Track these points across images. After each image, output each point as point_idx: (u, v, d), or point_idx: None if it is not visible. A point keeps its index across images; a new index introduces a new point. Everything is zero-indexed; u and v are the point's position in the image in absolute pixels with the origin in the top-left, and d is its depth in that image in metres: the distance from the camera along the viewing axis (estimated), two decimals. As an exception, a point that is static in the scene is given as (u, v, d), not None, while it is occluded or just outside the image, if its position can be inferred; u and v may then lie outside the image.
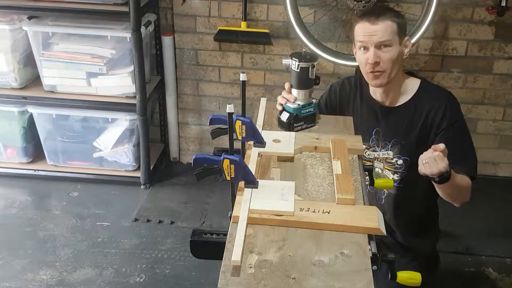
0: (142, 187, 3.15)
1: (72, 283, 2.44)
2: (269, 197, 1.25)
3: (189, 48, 3.16)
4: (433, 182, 1.69)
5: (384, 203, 1.97)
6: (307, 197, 1.30)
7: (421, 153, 1.67)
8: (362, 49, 1.80)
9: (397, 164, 1.92)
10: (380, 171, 1.96)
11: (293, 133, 1.56)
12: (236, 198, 1.25)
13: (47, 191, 3.11)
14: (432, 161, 1.59)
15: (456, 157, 1.73)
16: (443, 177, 1.62)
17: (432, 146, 1.61)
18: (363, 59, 1.81)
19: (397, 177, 1.93)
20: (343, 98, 2.01)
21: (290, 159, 1.46)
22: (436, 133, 1.83)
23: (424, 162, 1.61)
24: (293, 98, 1.61)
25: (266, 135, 1.50)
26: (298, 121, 1.61)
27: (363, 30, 1.78)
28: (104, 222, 2.85)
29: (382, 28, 1.75)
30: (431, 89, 1.91)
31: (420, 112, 1.84)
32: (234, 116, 1.26)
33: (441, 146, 1.59)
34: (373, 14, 1.79)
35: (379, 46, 1.76)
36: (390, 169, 1.94)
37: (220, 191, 3.10)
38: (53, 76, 2.96)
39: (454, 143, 1.76)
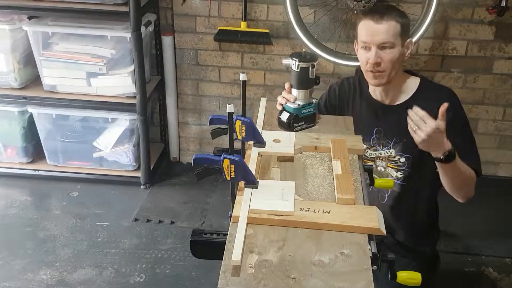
0: (142, 187, 3.15)
1: (72, 283, 2.44)
2: (269, 197, 1.25)
3: (189, 48, 3.16)
4: (438, 164, 1.67)
5: (386, 201, 1.97)
6: (307, 197, 1.30)
7: (424, 151, 1.66)
8: (364, 48, 1.81)
9: (400, 162, 1.92)
10: (383, 169, 1.96)
11: (293, 133, 1.56)
12: (236, 198, 1.25)
13: (47, 191, 3.11)
14: (420, 123, 1.57)
15: (459, 154, 1.72)
16: (449, 154, 1.62)
17: (409, 112, 1.59)
18: (364, 58, 1.81)
19: (400, 174, 1.93)
20: (343, 98, 2.01)
21: (290, 159, 1.45)
22: None
23: (414, 129, 1.59)
24: (293, 98, 1.61)
25: (266, 135, 1.50)
26: (298, 121, 1.61)
27: (366, 28, 1.78)
28: (104, 222, 2.85)
29: (385, 29, 1.75)
30: (432, 87, 1.91)
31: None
32: (234, 116, 1.26)
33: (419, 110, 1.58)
34: (377, 12, 1.79)
35: (381, 46, 1.77)
36: (393, 167, 1.94)
37: (220, 191, 3.10)
38: (53, 76, 2.96)
39: (456, 140, 1.76)
